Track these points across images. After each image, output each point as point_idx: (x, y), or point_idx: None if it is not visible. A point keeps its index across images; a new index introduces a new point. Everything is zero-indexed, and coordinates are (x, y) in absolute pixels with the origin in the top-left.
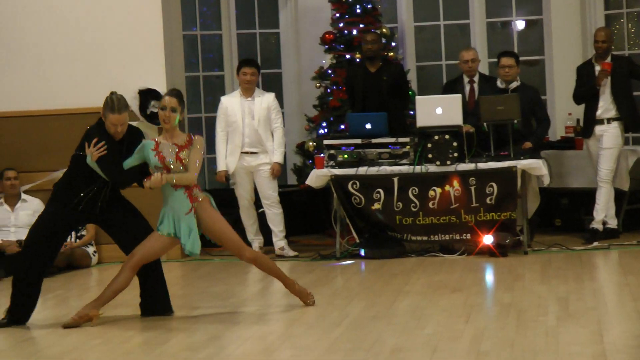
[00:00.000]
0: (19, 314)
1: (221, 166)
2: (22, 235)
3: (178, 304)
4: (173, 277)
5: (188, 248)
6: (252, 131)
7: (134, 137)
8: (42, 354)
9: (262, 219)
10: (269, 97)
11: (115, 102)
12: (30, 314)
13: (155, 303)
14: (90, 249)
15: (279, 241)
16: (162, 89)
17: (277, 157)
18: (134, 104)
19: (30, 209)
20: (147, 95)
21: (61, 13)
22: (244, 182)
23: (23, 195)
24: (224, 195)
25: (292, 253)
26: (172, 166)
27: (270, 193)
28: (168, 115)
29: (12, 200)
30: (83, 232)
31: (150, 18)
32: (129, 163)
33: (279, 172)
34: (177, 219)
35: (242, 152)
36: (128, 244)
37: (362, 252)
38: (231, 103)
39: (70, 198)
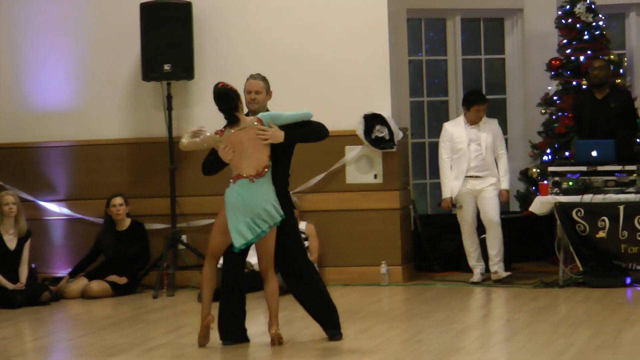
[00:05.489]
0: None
1: (446, 193)
2: None
3: (401, 327)
4: (396, 302)
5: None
6: (478, 158)
7: None
8: None
9: (483, 246)
10: (494, 124)
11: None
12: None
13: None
14: None
15: (494, 265)
16: (387, 113)
17: (505, 184)
18: (359, 128)
19: None
20: (373, 121)
21: (290, 40)
22: (468, 206)
23: None
24: (448, 221)
25: (504, 274)
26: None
27: (493, 214)
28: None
29: None
30: None
31: (377, 43)
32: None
33: (507, 199)
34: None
35: (466, 176)
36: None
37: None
38: (456, 130)
39: None
